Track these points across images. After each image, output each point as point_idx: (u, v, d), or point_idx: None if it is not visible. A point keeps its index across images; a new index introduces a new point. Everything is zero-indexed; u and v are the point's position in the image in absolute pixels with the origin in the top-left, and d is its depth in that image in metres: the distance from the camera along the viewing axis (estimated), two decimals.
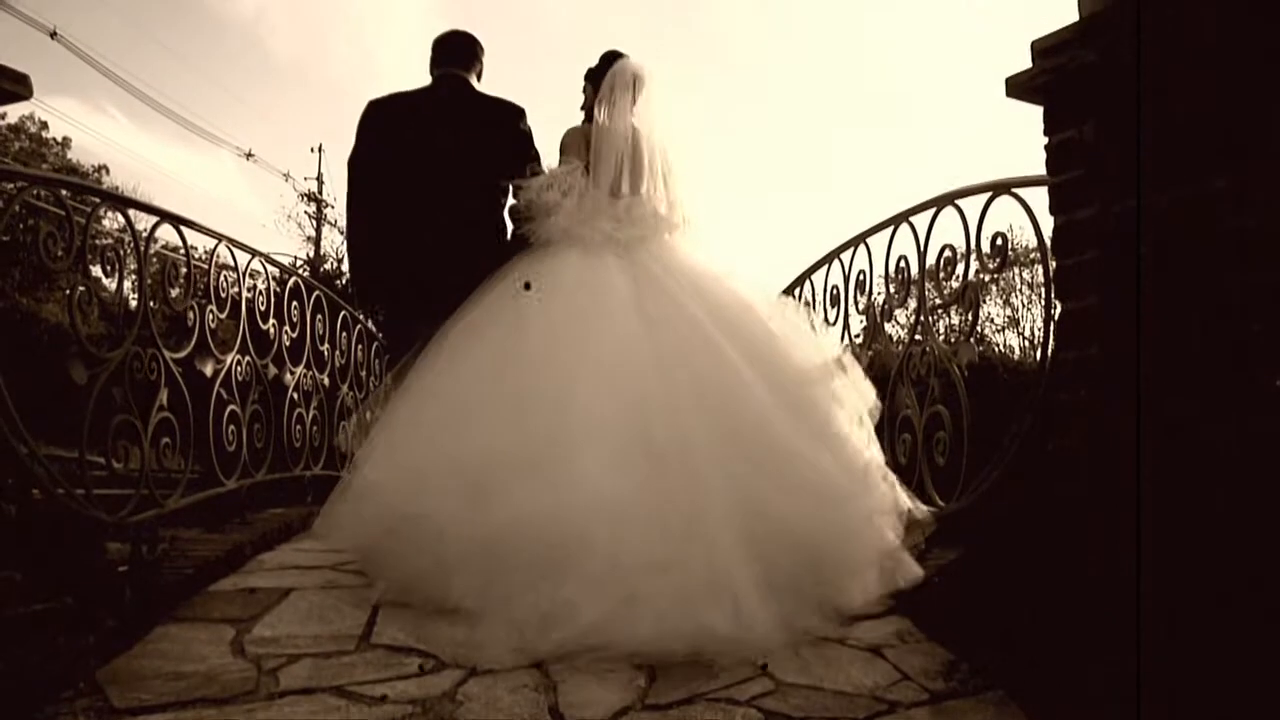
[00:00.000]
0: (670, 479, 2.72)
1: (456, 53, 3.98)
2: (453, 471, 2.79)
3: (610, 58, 3.88)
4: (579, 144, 3.71)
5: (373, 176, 3.79)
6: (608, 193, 3.57)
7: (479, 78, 4.04)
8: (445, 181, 3.75)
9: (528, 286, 3.20)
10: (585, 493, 2.64)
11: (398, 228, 3.74)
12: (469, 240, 3.74)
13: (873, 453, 3.16)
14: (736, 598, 2.48)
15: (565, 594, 2.48)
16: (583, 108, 4.02)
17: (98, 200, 3.42)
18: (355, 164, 3.85)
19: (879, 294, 4.12)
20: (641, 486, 2.69)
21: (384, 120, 3.82)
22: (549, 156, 3.94)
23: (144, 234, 3.30)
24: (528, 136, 3.92)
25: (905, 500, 3.04)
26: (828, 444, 3.00)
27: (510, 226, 3.83)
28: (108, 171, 26.94)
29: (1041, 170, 2.36)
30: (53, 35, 20.28)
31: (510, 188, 3.80)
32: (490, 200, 3.82)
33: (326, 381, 5.02)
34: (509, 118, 3.90)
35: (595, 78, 3.90)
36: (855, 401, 3.24)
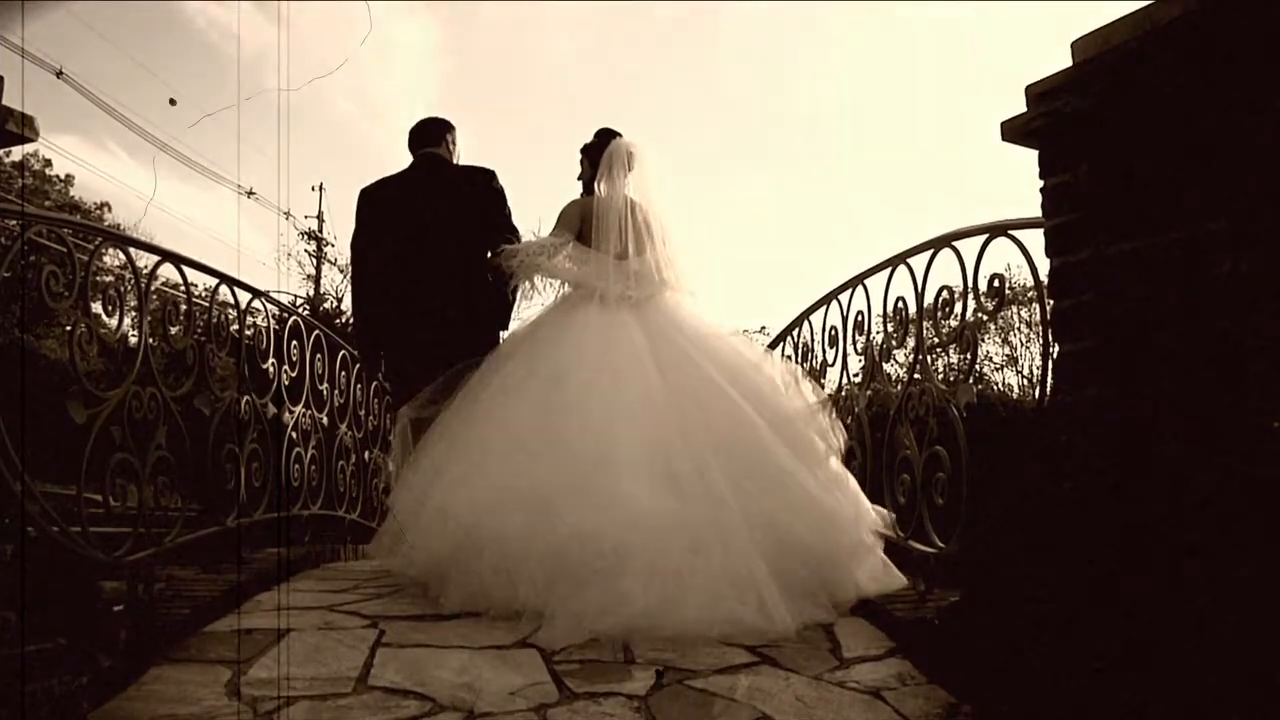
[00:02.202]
0: (692, 497, 3.23)
1: (428, 135, 4.63)
2: (512, 500, 3.24)
3: (605, 135, 4.43)
4: (574, 217, 4.26)
5: (372, 251, 4.48)
6: (613, 257, 4.09)
7: (454, 145, 4.68)
8: (433, 244, 4.36)
9: None
10: (626, 511, 3.13)
11: (397, 289, 4.36)
12: (461, 291, 4.35)
13: (852, 481, 3.68)
14: (760, 594, 2.99)
15: (621, 586, 2.94)
16: (579, 178, 4.53)
17: (100, 238, 3.44)
18: (356, 243, 4.59)
19: (877, 334, 4.14)
20: (669, 504, 3.19)
21: (375, 203, 4.50)
22: (523, 206, 4.49)
23: (145, 271, 3.32)
24: (499, 193, 4.53)
25: (877, 514, 3.53)
26: (818, 470, 3.54)
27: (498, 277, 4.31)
28: (109, 208, 27.08)
29: (1038, 212, 2.38)
30: (58, 75, 20.43)
31: (493, 241, 4.39)
32: (475, 254, 4.41)
33: (325, 421, 5.01)
34: (481, 180, 4.52)
35: (591, 153, 4.44)
36: (833, 437, 3.79)
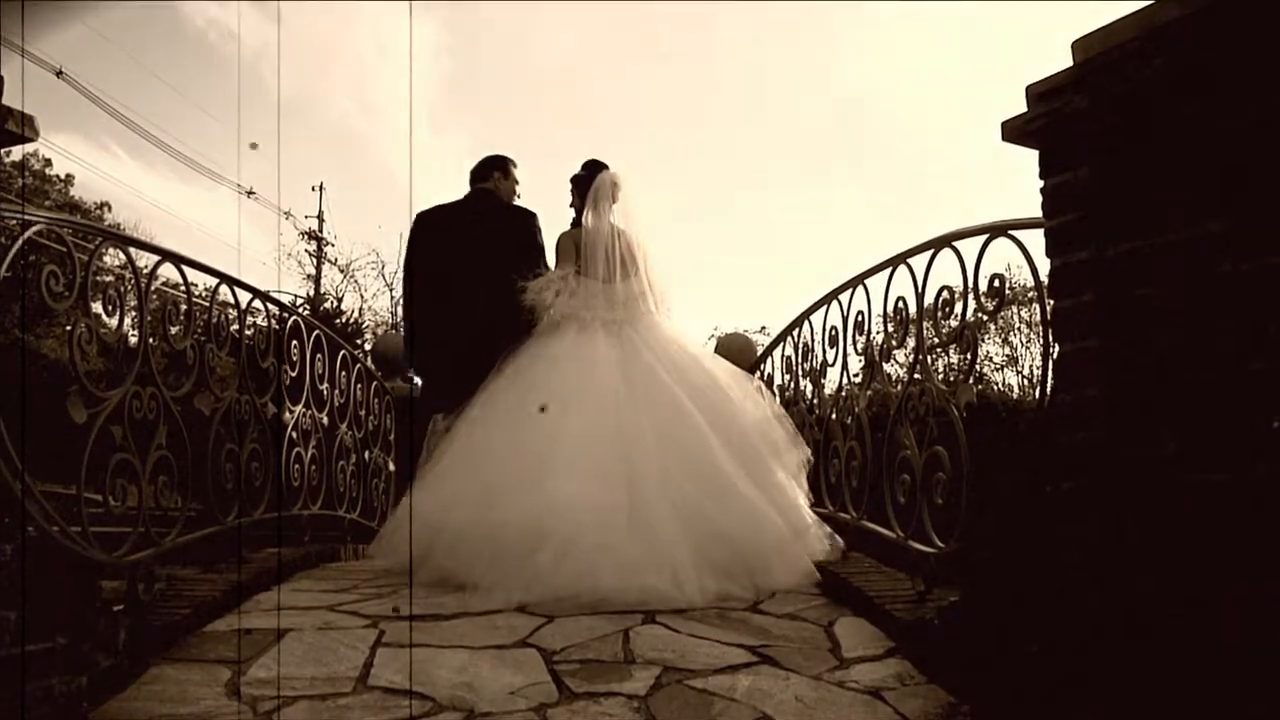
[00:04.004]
0: (618, 490, 3.71)
1: (480, 172, 5.17)
2: (464, 498, 3.78)
3: (593, 168, 4.87)
4: (570, 249, 4.73)
5: (420, 269, 5.01)
6: (600, 281, 4.56)
7: (505, 177, 5.17)
8: (471, 271, 4.84)
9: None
10: (554, 502, 3.60)
11: (436, 309, 4.89)
12: (490, 315, 4.72)
13: (796, 488, 4.16)
14: (675, 570, 3.47)
15: (540, 563, 3.43)
16: (571, 205, 5.00)
17: (100, 238, 3.43)
18: (409, 265, 5.16)
19: (877, 334, 4.14)
20: (594, 496, 3.66)
21: (427, 227, 5.03)
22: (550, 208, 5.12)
23: (145, 271, 3.31)
24: (535, 234, 5.01)
25: (816, 522, 4.04)
26: (759, 480, 3.97)
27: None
28: (110, 208, 27.04)
29: (1038, 212, 2.38)
30: (58, 74, 20.43)
31: (522, 273, 4.73)
32: (505, 283, 4.70)
33: (325, 420, 5.01)
34: (524, 222, 5.03)
35: (580, 184, 4.89)
36: (788, 450, 4.24)
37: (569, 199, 5.05)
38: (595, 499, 3.66)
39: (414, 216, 5.10)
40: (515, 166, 5.25)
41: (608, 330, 4.43)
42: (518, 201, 5.25)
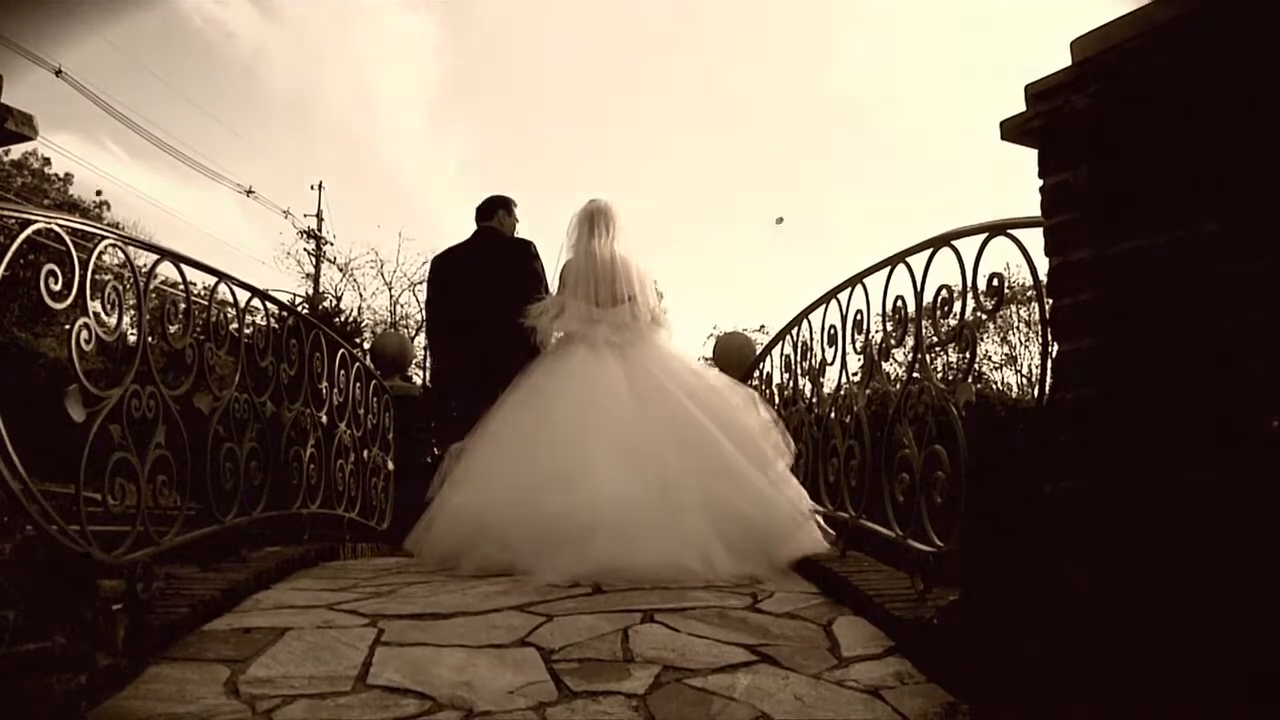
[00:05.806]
0: (650, 485, 4.12)
1: (486, 212, 5.99)
2: (512, 494, 4.21)
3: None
4: (566, 277, 5.17)
5: (441, 308, 5.92)
6: (592, 304, 4.99)
7: (508, 215, 5.98)
8: (487, 305, 5.54)
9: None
10: (596, 496, 4.03)
11: (460, 341, 5.71)
12: (507, 345, 5.26)
13: (796, 481, 4.56)
14: (707, 550, 3.91)
15: (589, 547, 3.82)
16: None
17: (99, 237, 3.43)
18: (430, 302, 6.21)
19: (876, 333, 4.14)
20: (629, 490, 4.08)
21: (443, 269, 5.94)
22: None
23: (144, 270, 3.31)
24: (535, 261, 5.75)
25: (812, 505, 4.41)
26: (765, 471, 4.41)
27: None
28: (108, 207, 27.02)
29: (1037, 212, 2.38)
30: (58, 73, 20.37)
31: (527, 299, 5.34)
32: (515, 311, 5.27)
33: (324, 419, 5.01)
34: (523, 253, 5.79)
35: None
36: (782, 448, 4.61)
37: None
38: (632, 494, 4.06)
39: (431, 260, 5.93)
40: (516, 205, 6.04)
41: (613, 350, 4.82)
42: (518, 233, 6.00)
